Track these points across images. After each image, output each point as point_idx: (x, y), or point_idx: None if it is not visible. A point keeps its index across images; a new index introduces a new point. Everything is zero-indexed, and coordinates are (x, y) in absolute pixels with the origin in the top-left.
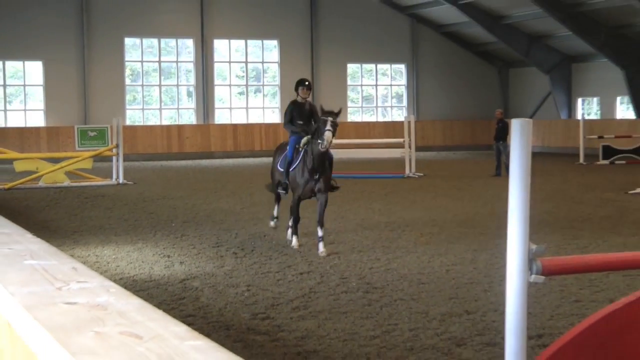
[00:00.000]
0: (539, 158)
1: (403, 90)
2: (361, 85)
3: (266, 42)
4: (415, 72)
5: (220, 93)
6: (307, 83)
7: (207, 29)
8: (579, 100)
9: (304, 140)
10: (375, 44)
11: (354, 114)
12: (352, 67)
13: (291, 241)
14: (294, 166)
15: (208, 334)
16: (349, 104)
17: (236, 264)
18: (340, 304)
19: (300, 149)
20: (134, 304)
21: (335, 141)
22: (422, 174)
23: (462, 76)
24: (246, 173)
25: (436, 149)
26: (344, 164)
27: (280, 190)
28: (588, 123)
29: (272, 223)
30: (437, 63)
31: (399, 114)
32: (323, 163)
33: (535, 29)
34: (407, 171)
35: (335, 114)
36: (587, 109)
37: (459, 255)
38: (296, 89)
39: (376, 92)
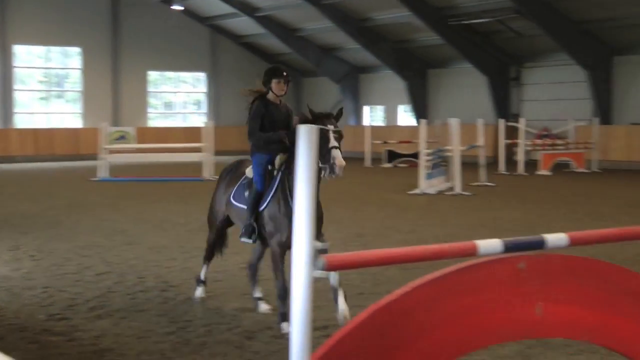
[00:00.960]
0: None
1: (203, 97)
2: (162, 92)
3: (68, 49)
4: (215, 80)
5: (21, 98)
6: (284, 73)
7: (8, 35)
8: (366, 107)
9: (279, 159)
10: (176, 53)
11: (155, 120)
12: (153, 75)
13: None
14: (267, 200)
15: (2, 337)
16: (150, 110)
17: (33, 266)
18: (137, 302)
19: (275, 172)
20: None
21: (135, 146)
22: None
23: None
24: (46, 177)
25: (234, 153)
26: (144, 168)
27: (245, 239)
28: (374, 129)
29: (198, 291)
30: (235, 72)
31: (199, 120)
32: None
33: (327, 42)
34: (205, 174)
35: (335, 117)
36: (374, 116)
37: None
38: (267, 82)
39: (177, 99)
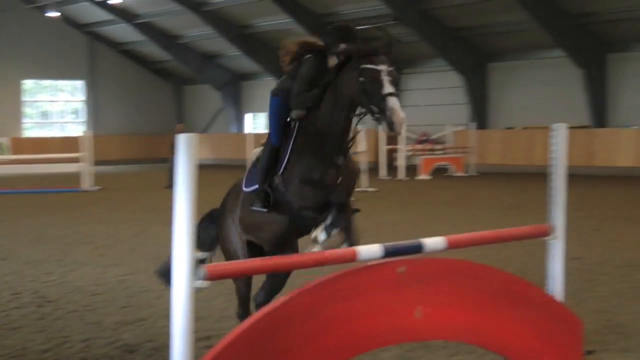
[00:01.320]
0: (210, 169)
1: (81, 106)
2: (38, 101)
3: None
4: (93, 88)
5: None
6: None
7: None
8: (248, 115)
9: (296, 112)
10: (53, 61)
11: (31, 130)
12: (28, 83)
13: None
14: (286, 157)
15: None
16: (25, 120)
17: None
18: (11, 319)
19: (293, 124)
20: None
21: (9, 157)
22: (100, 187)
23: (139, 92)
24: None
25: (114, 163)
26: (20, 179)
27: (257, 207)
28: (257, 137)
29: None
30: (115, 80)
31: (77, 129)
32: (344, 141)
33: (208, 49)
34: (84, 185)
35: (386, 51)
36: (256, 123)
37: (133, 265)
38: (332, 45)
39: (54, 108)
